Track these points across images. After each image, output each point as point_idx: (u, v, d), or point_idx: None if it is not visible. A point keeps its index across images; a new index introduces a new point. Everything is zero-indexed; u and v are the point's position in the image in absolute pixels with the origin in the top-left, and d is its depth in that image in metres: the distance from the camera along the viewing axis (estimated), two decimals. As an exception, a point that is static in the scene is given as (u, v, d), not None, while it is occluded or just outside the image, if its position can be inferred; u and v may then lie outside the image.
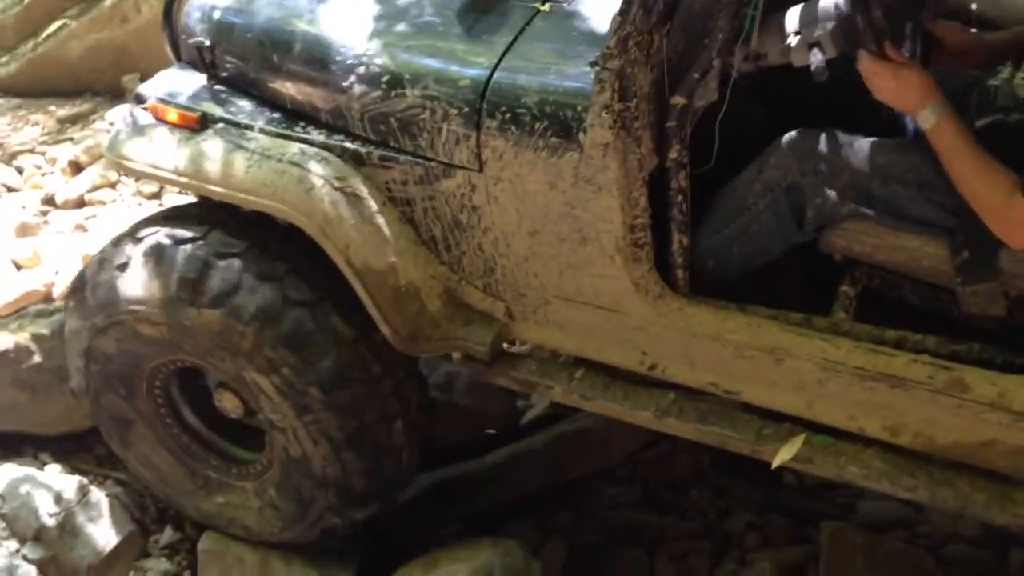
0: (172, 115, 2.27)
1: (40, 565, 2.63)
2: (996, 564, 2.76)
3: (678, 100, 1.91)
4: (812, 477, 3.09)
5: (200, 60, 2.31)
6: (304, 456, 2.38)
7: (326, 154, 2.19)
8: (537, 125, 1.97)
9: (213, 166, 2.21)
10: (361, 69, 2.14)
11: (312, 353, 2.25)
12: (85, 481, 2.83)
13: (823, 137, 1.98)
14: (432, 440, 3.10)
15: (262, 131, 2.23)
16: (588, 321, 2.20)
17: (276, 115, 2.27)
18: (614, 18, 1.79)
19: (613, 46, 1.79)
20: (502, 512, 2.96)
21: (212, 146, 2.23)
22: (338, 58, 2.16)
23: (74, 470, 2.89)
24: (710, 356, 2.10)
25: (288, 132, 2.23)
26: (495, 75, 2.03)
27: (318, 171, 2.16)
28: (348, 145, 2.19)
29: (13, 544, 2.67)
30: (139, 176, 2.38)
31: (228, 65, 2.30)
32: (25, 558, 2.63)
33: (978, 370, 1.87)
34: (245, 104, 2.28)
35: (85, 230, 3.94)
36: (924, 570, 2.69)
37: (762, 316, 2.04)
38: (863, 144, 1.96)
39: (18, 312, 3.06)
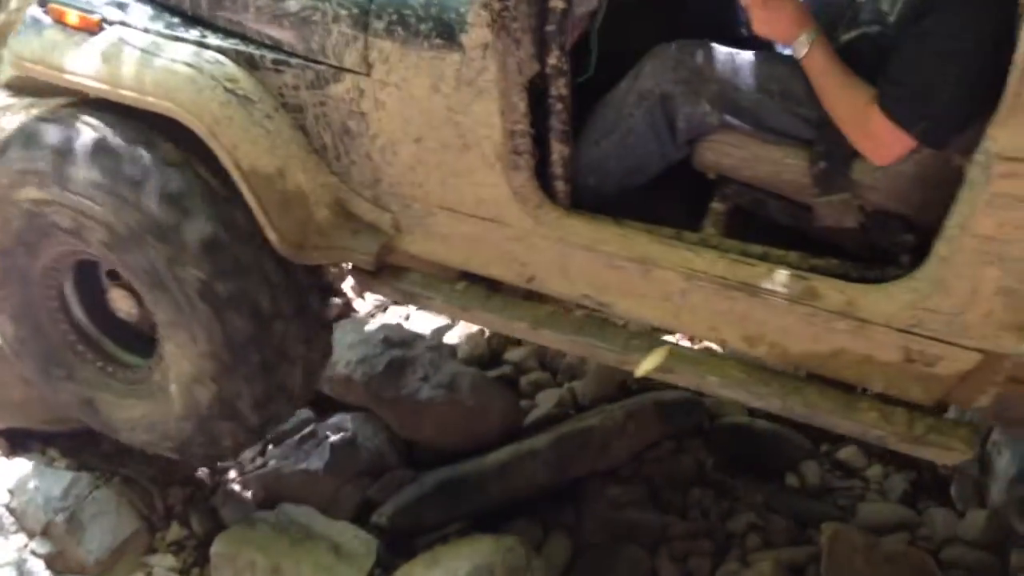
0: (72, 18, 2.26)
1: (48, 560, 2.66)
2: (996, 566, 2.77)
3: (557, 4, 1.93)
4: (814, 478, 3.13)
5: None
6: (190, 356, 2.33)
7: (221, 57, 2.19)
8: (422, 27, 2.00)
9: (108, 67, 2.21)
10: None
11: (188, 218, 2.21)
12: (93, 477, 2.85)
13: (696, 47, 2.03)
14: (436, 439, 3.15)
15: (159, 35, 2.22)
16: (470, 233, 2.21)
17: (175, 20, 2.25)
18: None
19: None
20: (505, 511, 2.98)
21: (108, 48, 2.22)
22: None
23: (82, 466, 2.91)
24: (584, 268, 2.12)
25: (184, 36, 2.22)
26: None
27: (210, 72, 2.16)
28: (242, 49, 2.20)
29: (22, 539, 2.70)
30: (37, 76, 2.32)
31: None
32: (33, 552, 2.66)
33: (830, 279, 1.92)
34: (145, 8, 2.27)
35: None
36: (925, 572, 2.70)
37: (634, 228, 2.08)
38: (733, 55, 2.02)
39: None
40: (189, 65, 2.17)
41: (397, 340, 3.29)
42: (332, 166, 2.27)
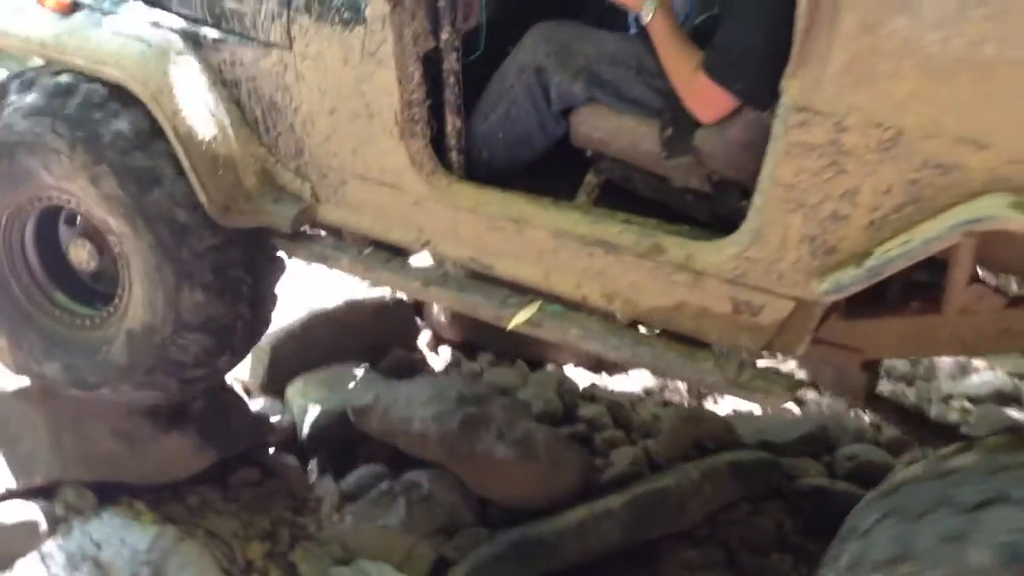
0: (50, 1, 2.60)
1: (134, 612, 2.71)
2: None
3: None
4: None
5: None
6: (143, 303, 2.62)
7: (170, 35, 2.49)
8: (335, 1, 2.24)
9: (71, 40, 2.53)
10: None
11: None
12: (177, 530, 2.91)
13: (568, 25, 2.30)
14: (511, 497, 3.16)
15: (119, 16, 2.54)
16: (376, 200, 2.43)
17: (136, 5, 2.58)
18: None
19: None
20: (580, 571, 2.96)
21: (74, 24, 2.56)
22: None
23: (166, 519, 2.97)
24: (470, 230, 2.33)
25: (141, 18, 2.54)
26: None
27: (157, 47, 2.46)
28: (189, 29, 2.50)
29: (109, 590, 2.76)
30: (13, 48, 2.69)
31: None
32: (120, 604, 2.72)
33: (673, 237, 2.10)
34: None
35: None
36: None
37: (514, 193, 2.27)
38: (598, 33, 2.28)
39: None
40: (140, 40, 2.48)
41: (471, 397, 3.31)
42: (261, 138, 2.54)
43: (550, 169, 2.39)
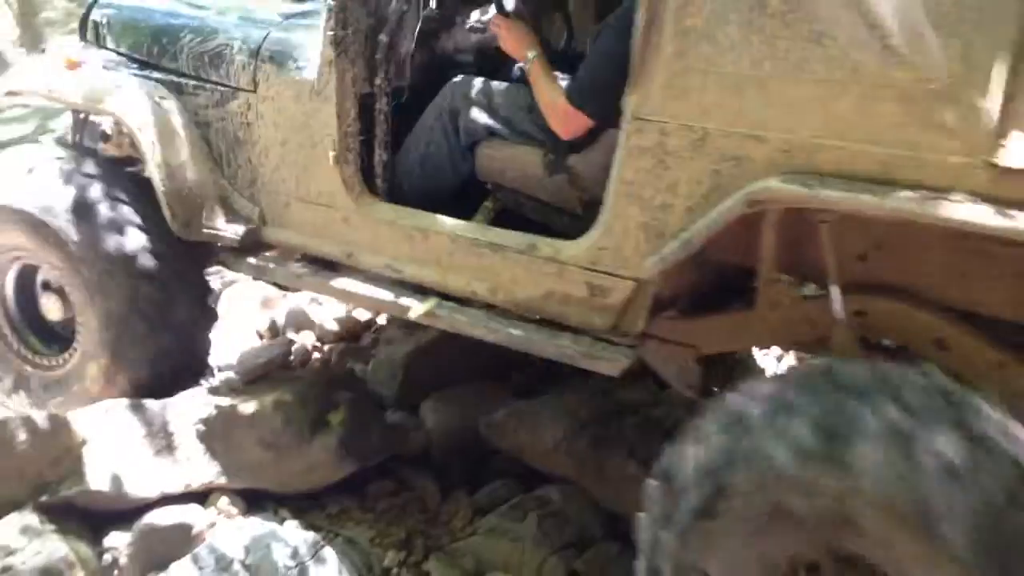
0: (64, 63, 3.31)
1: (279, 615, 2.83)
2: None
3: (383, 38, 2.75)
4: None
5: (95, 35, 3.46)
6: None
7: (157, 84, 3.15)
8: (294, 54, 2.87)
9: (77, 88, 3.26)
10: (194, 23, 3.20)
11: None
12: (318, 537, 3.03)
13: (477, 78, 2.88)
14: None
15: (119, 71, 3.24)
16: (313, 219, 2.94)
17: (134, 65, 3.27)
18: None
19: None
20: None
21: (81, 78, 3.28)
22: (176, 22, 3.25)
23: (309, 526, 3.10)
24: (387, 241, 2.81)
25: (137, 72, 3.23)
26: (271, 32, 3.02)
27: (145, 91, 3.11)
28: (174, 79, 3.14)
29: (255, 594, 2.89)
30: (33, 94, 3.50)
31: (108, 38, 3.41)
32: (265, 608, 2.84)
33: (545, 237, 2.56)
34: (113, 57, 3.33)
35: (319, 303, 4.27)
36: None
37: (424, 212, 2.77)
38: (499, 84, 2.86)
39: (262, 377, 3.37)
40: (132, 86, 3.14)
41: (602, 414, 3.33)
42: (223, 170, 3.11)
43: (463, 209, 2.84)
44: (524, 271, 2.56)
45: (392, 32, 2.76)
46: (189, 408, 3.20)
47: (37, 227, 3.20)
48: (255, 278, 3.27)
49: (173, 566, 2.88)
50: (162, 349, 3.30)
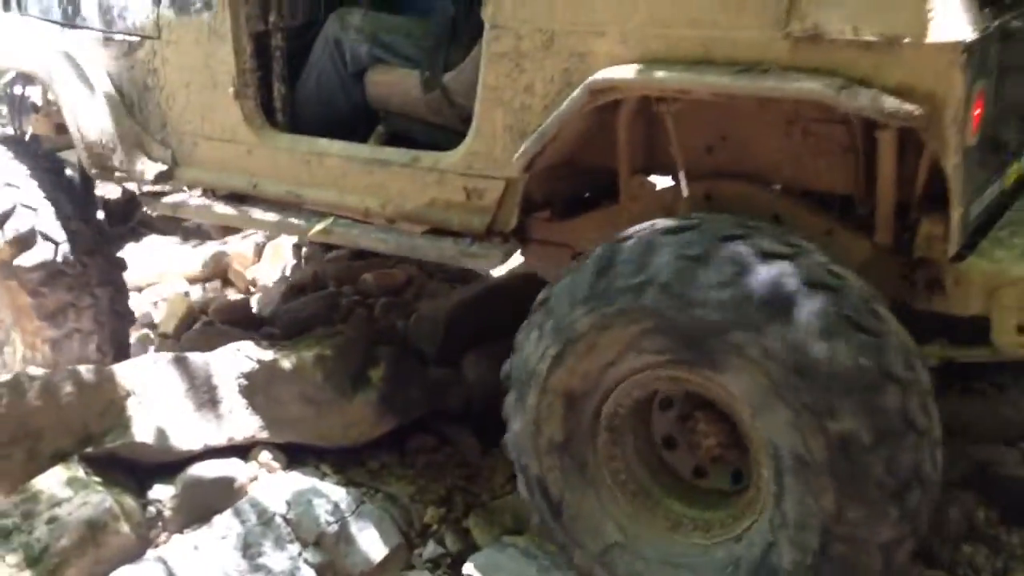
0: None
1: (319, 569, 2.84)
2: None
3: None
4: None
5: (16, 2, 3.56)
6: None
7: (69, 42, 3.25)
8: None
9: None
10: None
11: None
12: (359, 493, 3.04)
13: (357, 8, 3.07)
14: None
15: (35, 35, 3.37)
16: (219, 155, 3.08)
17: (51, 27, 3.36)
18: None
19: None
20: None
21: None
22: None
23: (349, 482, 3.11)
24: (288, 169, 2.97)
25: (52, 33, 3.34)
26: None
27: (57, 50, 3.26)
28: (85, 35, 3.25)
29: (296, 548, 2.91)
30: None
31: (26, 5, 3.53)
32: (306, 561, 2.86)
33: (428, 151, 2.73)
34: (32, 22, 3.44)
35: (363, 259, 4.23)
36: None
37: (321, 138, 2.92)
38: (377, 12, 3.04)
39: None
40: (48, 43, 3.31)
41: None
42: (136, 117, 3.25)
43: (362, 136, 3.00)
44: (409, 183, 2.75)
45: None
46: (232, 362, 3.21)
47: None
48: (173, 216, 3.45)
49: (216, 519, 2.92)
50: None
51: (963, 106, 2.00)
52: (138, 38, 3.15)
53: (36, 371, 3.19)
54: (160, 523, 2.97)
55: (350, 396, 3.18)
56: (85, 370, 3.11)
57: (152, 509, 2.99)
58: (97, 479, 2.93)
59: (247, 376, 3.17)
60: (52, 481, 2.87)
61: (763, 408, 2.06)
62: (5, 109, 3.63)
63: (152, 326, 4.36)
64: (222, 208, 3.19)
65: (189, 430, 3.09)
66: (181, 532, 2.94)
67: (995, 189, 2.40)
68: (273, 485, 3.02)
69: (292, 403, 3.17)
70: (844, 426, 1.97)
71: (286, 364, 3.19)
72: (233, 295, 4.43)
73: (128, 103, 3.24)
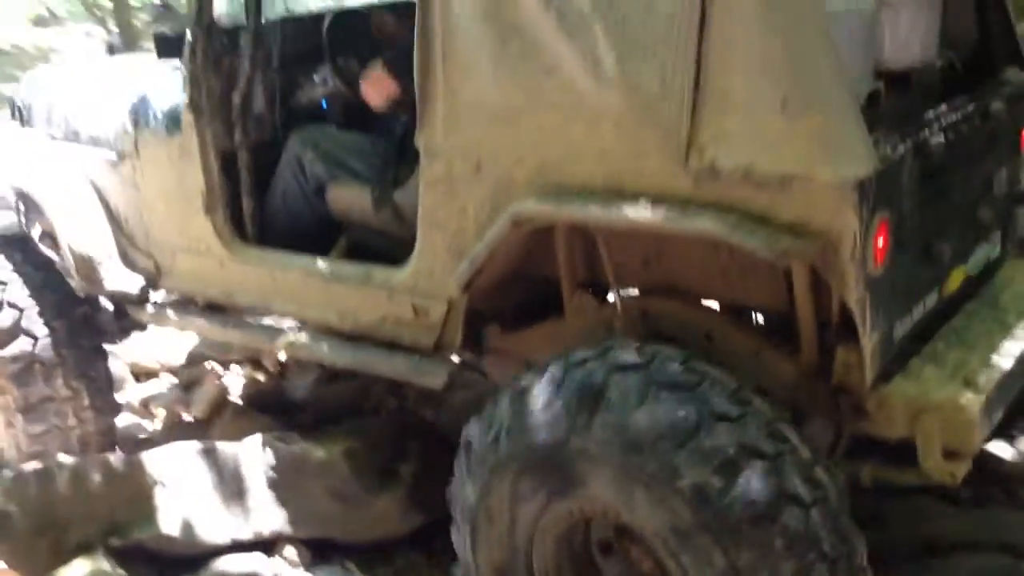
0: None
1: (341, 671, 2.77)
2: None
3: (235, 99, 3.01)
4: None
5: (20, 117, 3.76)
6: None
7: (63, 158, 3.39)
8: (165, 120, 3.12)
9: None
10: (89, 98, 3.46)
11: None
12: (384, 591, 2.97)
13: (317, 127, 3.14)
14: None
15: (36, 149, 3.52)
16: (195, 266, 3.20)
17: (50, 141, 3.53)
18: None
19: (186, 58, 2.96)
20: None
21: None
22: (76, 99, 3.51)
23: (375, 580, 3.05)
24: (257, 281, 3.07)
25: (50, 148, 3.48)
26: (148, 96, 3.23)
27: (51, 166, 3.38)
28: (77, 151, 3.39)
29: (318, 648, 2.85)
30: None
31: (30, 119, 3.69)
32: (327, 664, 2.79)
33: (379, 267, 2.78)
34: (35, 135, 3.60)
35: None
36: None
37: (286, 252, 3.00)
38: (331, 130, 3.14)
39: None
40: (43, 161, 3.43)
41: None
42: (122, 228, 3.38)
43: (328, 247, 3.08)
44: (363, 299, 2.81)
45: (243, 93, 3.02)
46: (260, 453, 3.18)
47: None
48: (156, 324, 3.54)
49: (239, 615, 2.86)
50: None
51: (861, 241, 1.99)
52: (120, 154, 3.29)
53: (67, 459, 3.19)
54: (182, 618, 2.92)
55: (378, 492, 3.14)
56: (115, 458, 3.12)
57: (175, 604, 2.95)
58: (121, 571, 2.90)
59: (275, 469, 3.14)
60: (76, 574, 2.84)
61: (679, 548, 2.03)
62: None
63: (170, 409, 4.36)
64: (199, 320, 3.32)
65: (215, 523, 3.05)
66: (204, 628, 2.89)
67: (932, 299, 2.39)
68: (300, 583, 2.97)
69: (320, 498, 3.13)
70: (744, 559, 1.94)
71: (315, 457, 3.16)
72: (263, 378, 4.41)
73: (115, 216, 3.38)
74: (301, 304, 3.00)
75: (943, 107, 2.38)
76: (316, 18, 3.38)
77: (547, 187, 2.30)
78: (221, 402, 4.10)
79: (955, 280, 2.51)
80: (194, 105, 3.00)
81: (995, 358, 2.31)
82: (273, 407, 4.04)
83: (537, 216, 2.32)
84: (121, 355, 4.40)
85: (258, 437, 3.27)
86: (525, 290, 2.71)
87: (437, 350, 2.71)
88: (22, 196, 3.49)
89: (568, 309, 2.60)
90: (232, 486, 3.13)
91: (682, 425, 1.97)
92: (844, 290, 2.04)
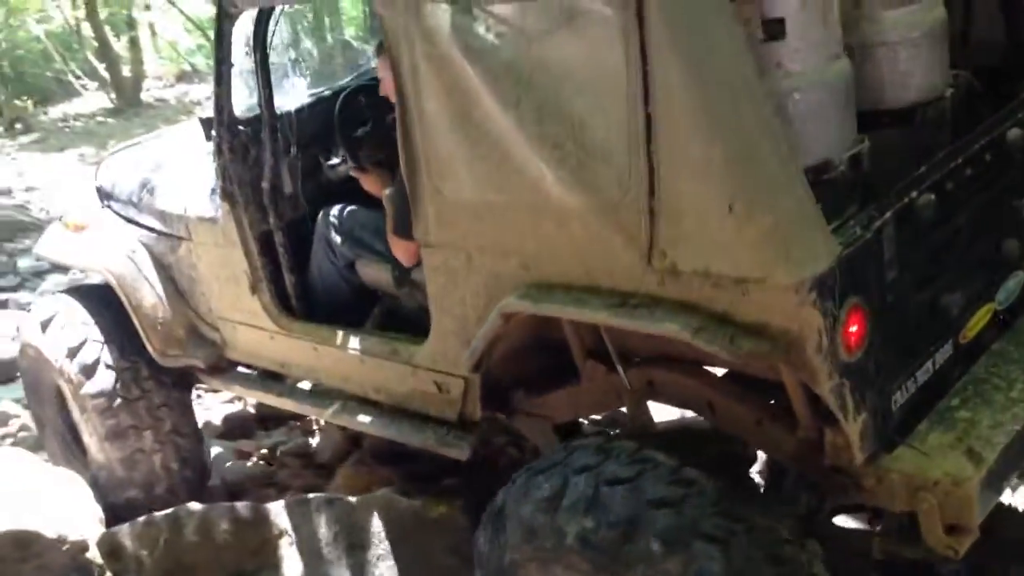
0: (71, 227, 3.92)
1: None
2: None
3: (265, 185, 3.19)
4: None
5: (101, 197, 3.92)
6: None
7: (134, 240, 3.65)
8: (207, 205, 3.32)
9: (75, 251, 3.86)
10: (155, 183, 3.62)
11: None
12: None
13: (341, 208, 3.23)
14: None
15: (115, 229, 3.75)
16: (252, 339, 3.39)
17: (125, 221, 3.74)
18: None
19: (214, 150, 3.18)
20: None
21: (80, 241, 3.81)
22: (145, 183, 3.66)
23: (492, 640, 2.99)
24: (303, 353, 3.22)
25: (124, 229, 3.71)
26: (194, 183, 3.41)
27: (122, 249, 3.63)
28: (145, 232, 3.63)
29: None
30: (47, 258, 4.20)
31: (109, 200, 3.87)
32: None
33: (403, 343, 2.88)
34: (114, 216, 3.80)
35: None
36: None
37: (327, 327, 3.14)
38: (353, 209, 3.22)
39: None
40: (114, 247, 3.67)
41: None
42: (187, 302, 3.59)
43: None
44: (392, 373, 2.92)
45: (271, 179, 3.17)
46: (381, 507, 3.20)
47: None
48: (225, 391, 3.87)
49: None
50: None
51: (828, 334, 1.94)
52: (178, 238, 3.50)
53: (195, 506, 3.27)
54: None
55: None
56: (242, 507, 3.19)
57: (296, 658, 2.97)
58: (246, 619, 2.94)
59: (395, 523, 3.15)
60: (203, 619, 2.90)
61: None
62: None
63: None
64: (259, 389, 3.56)
65: (337, 574, 3.07)
66: None
67: (945, 352, 2.31)
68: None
69: (439, 553, 3.14)
70: None
71: (434, 512, 3.17)
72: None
73: (181, 291, 3.59)
74: (343, 377, 3.13)
75: (942, 156, 2.27)
76: (332, 96, 3.45)
77: (532, 280, 2.35)
78: (345, 450, 4.14)
79: (979, 321, 2.41)
80: (227, 194, 3.19)
81: (1008, 415, 2.19)
82: (395, 457, 4.06)
83: (525, 312, 2.37)
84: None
85: (381, 492, 3.28)
86: (548, 356, 2.74)
87: (461, 422, 2.78)
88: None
89: (582, 376, 2.65)
90: (353, 538, 3.15)
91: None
92: (814, 383, 2.01)
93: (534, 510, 2.20)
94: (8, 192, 9.84)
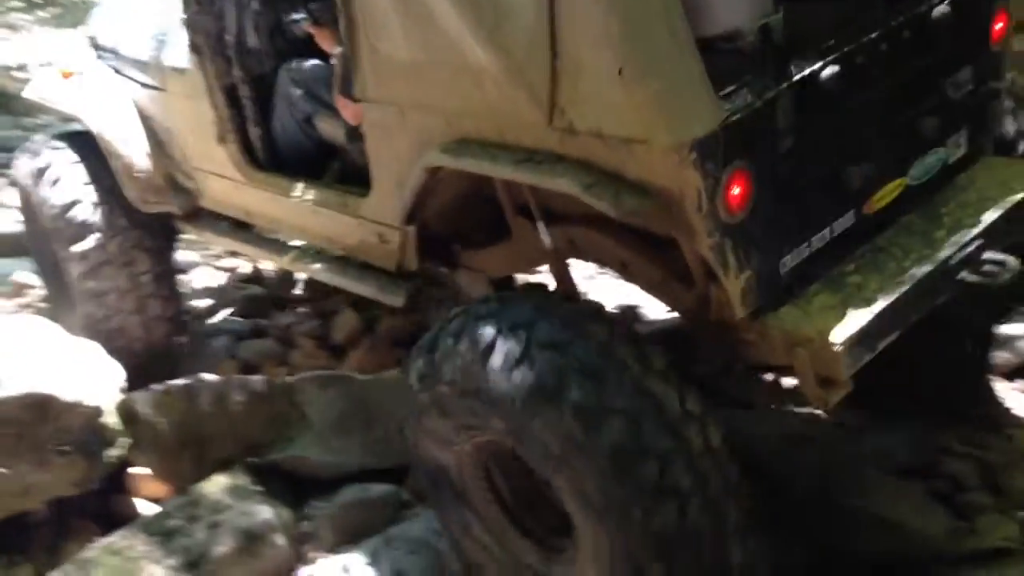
0: (60, 73, 4.01)
1: None
2: None
3: (228, 38, 3.32)
4: None
5: (93, 46, 4.04)
6: None
7: (117, 88, 3.80)
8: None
9: (63, 97, 3.97)
10: (137, 33, 3.74)
11: None
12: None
13: (298, 63, 3.37)
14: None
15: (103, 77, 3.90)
16: (222, 188, 3.58)
17: (112, 71, 3.88)
18: None
19: (183, 5, 3.29)
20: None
21: (69, 87, 3.94)
22: (128, 34, 3.80)
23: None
24: (266, 203, 3.40)
25: (110, 78, 3.87)
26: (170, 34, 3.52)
27: (107, 97, 3.79)
28: (128, 82, 3.78)
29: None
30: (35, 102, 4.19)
31: (97, 49, 4.01)
32: None
33: (353, 196, 3.04)
34: (102, 64, 3.93)
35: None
36: None
37: (287, 177, 3.31)
38: (312, 65, 3.36)
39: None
40: (97, 93, 3.83)
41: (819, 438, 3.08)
42: (165, 151, 3.76)
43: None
44: (343, 224, 3.08)
45: (235, 32, 3.30)
46: (391, 386, 3.22)
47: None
48: (199, 238, 4.05)
49: (366, 542, 2.92)
50: None
51: (708, 195, 2.06)
52: (155, 88, 3.66)
53: (210, 377, 3.31)
54: (314, 540, 3.00)
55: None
56: (257, 380, 3.23)
57: (306, 524, 3.04)
58: (259, 488, 3.04)
59: (404, 403, 3.16)
60: (216, 487, 3.01)
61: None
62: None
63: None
64: (227, 236, 3.76)
65: (349, 449, 3.12)
66: (332, 551, 2.96)
67: (847, 221, 2.40)
68: (425, 514, 3.00)
69: (448, 432, 3.13)
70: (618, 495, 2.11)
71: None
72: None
73: (161, 141, 3.75)
74: (300, 227, 3.34)
75: (851, 29, 2.31)
76: None
77: (455, 136, 2.48)
78: (358, 332, 4.17)
79: (887, 195, 2.48)
80: (195, 46, 3.32)
81: (893, 282, 2.29)
82: (407, 342, 4.08)
83: (447, 166, 2.50)
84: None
85: (391, 372, 3.31)
86: (485, 212, 2.86)
87: (399, 272, 2.97)
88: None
89: (513, 232, 2.79)
90: (364, 416, 3.18)
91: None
92: (693, 241, 2.16)
93: (468, 356, 2.30)
94: (24, 67, 9.71)
